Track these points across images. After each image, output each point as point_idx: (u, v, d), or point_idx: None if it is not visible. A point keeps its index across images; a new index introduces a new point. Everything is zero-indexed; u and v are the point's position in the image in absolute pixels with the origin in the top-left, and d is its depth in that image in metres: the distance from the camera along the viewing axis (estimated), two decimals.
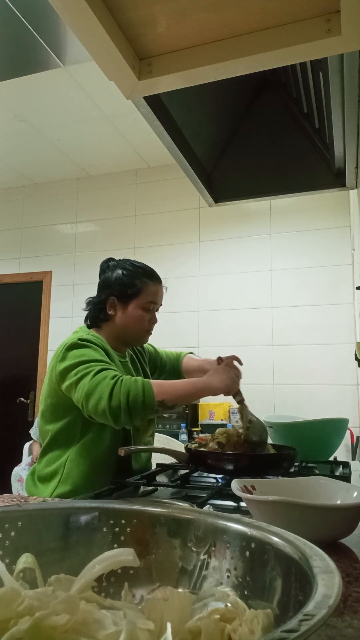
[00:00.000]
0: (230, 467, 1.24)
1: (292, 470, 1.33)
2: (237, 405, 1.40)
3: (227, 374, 1.33)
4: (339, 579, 0.35)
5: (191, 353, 1.72)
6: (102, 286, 1.48)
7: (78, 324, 1.53)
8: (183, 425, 3.48)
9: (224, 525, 0.49)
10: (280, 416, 1.77)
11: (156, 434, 1.73)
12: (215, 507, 1.01)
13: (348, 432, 3.20)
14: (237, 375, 1.37)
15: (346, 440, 3.34)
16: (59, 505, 0.58)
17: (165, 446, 1.69)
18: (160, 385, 1.25)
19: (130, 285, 1.43)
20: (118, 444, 1.35)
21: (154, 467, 1.44)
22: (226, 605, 0.41)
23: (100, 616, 0.38)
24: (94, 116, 3.65)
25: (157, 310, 1.50)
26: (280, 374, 3.71)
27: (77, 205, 4.63)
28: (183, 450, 1.36)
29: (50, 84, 3.28)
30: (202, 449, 1.33)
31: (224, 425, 3.14)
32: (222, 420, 3.54)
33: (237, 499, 1.03)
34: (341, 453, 2.37)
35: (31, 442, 3.30)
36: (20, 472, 3.13)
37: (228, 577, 0.46)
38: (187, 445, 1.42)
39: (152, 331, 1.51)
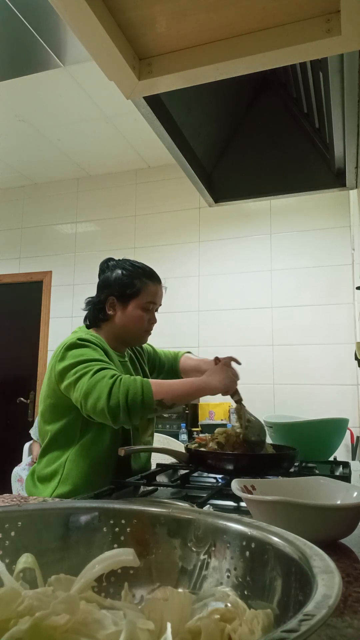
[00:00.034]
0: (230, 467, 1.24)
1: (292, 470, 1.33)
2: (235, 405, 1.41)
3: (226, 374, 1.34)
4: (339, 579, 0.35)
5: (189, 352, 1.72)
6: (101, 286, 1.48)
7: (78, 324, 1.53)
8: (183, 425, 3.48)
9: (224, 525, 0.49)
10: (280, 416, 1.77)
11: (156, 434, 1.73)
12: (215, 507, 1.01)
13: (348, 432, 3.20)
14: (235, 375, 1.37)
15: (346, 440, 3.34)
16: (59, 505, 0.57)
17: (165, 446, 1.69)
18: (159, 385, 1.25)
19: (130, 286, 1.43)
20: (118, 444, 1.35)
21: (153, 467, 1.44)
22: (226, 605, 0.41)
23: (100, 616, 0.38)
24: (94, 116, 3.65)
25: (156, 310, 1.50)
26: (280, 374, 3.71)
27: (77, 205, 4.62)
28: (183, 450, 1.36)
29: (50, 84, 3.28)
30: (202, 449, 1.33)
31: (224, 425, 3.14)
32: (222, 420, 3.54)
33: (237, 499, 1.03)
34: (341, 453, 2.36)
35: (31, 442, 3.30)
36: (20, 472, 3.13)
37: (228, 577, 0.46)
38: (187, 445, 1.42)
39: (152, 331, 1.51)
